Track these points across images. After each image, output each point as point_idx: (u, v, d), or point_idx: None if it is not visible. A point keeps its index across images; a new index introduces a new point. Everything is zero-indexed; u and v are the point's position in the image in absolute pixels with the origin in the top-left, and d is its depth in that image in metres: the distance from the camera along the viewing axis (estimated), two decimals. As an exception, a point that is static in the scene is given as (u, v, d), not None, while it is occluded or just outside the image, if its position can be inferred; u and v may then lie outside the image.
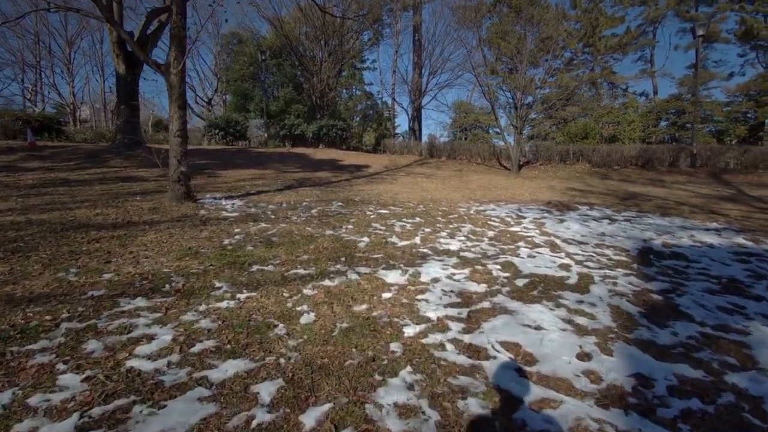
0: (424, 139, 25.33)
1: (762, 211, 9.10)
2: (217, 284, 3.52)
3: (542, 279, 4.05)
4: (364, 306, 3.22)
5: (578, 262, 4.71)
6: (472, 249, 5.07)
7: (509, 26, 23.29)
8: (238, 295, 3.31)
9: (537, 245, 5.47)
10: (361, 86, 37.19)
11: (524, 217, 7.39)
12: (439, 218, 7.00)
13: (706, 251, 5.55)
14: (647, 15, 24.46)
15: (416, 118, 32.16)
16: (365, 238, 5.32)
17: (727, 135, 20.90)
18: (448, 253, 4.86)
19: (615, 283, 4.00)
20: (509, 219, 7.21)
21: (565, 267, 4.48)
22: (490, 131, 33.62)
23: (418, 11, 29.39)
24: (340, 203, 7.98)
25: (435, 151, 19.70)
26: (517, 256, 4.88)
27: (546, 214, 7.70)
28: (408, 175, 14.08)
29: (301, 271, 3.96)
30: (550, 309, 3.31)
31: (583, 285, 3.91)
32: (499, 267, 4.37)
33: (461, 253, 4.83)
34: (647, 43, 25.54)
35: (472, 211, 7.84)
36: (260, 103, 25.62)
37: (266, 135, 22.59)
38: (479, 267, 4.34)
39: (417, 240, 5.40)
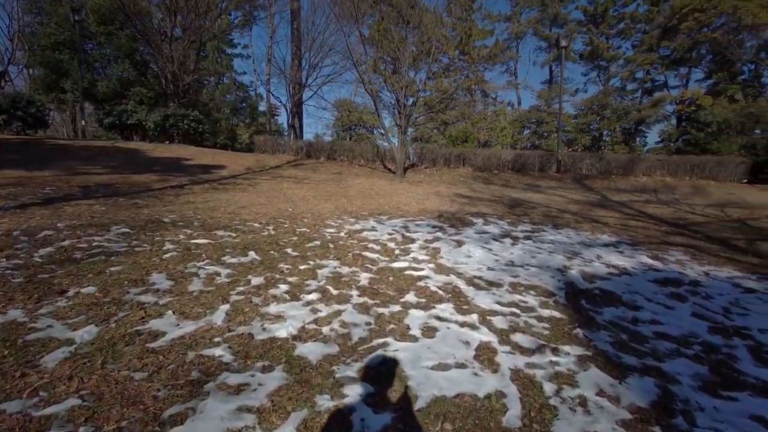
0: (309, 137, 22.64)
1: (632, 217, 9.13)
2: None
3: (454, 417, 1.92)
4: None
5: (502, 338, 2.78)
6: (323, 330, 2.71)
7: (390, 24, 22.26)
8: None
9: (434, 298, 3.44)
10: (229, 73, 32.26)
11: (413, 240, 5.44)
12: (289, 251, 4.52)
13: (629, 283, 4.33)
14: (512, 30, 26.44)
15: (296, 114, 29.04)
16: (87, 330, 2.49)
17: (576, 143, 23.69)
18: (269, 352, 2.39)
19: (582, 400, 2.11)
20: (392, 244, 5.15)
21: (488, 360, 2.47)
22: (375, 132, 32.69)
23: (294, -6, 26.43)
24: (126, 229, 4.81)
25: (313, 151, 17.17)
26: (405, 336, 2.71)
27: (439, 233, 5.92)
28: (273, 180, 11.23)
29: None
30: None
31: (536, 428, 1.89)
32: (365, 390, 2.09)
33: (296, 350, 2.42)
34: (512, 56, 27.74)
35: (343, 233, 5.57)
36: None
37: (84, 122, 16.79)
38: (323, 402, 1.99)
39: (217, 318, 2.79)
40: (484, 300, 3.45)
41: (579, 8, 26.18)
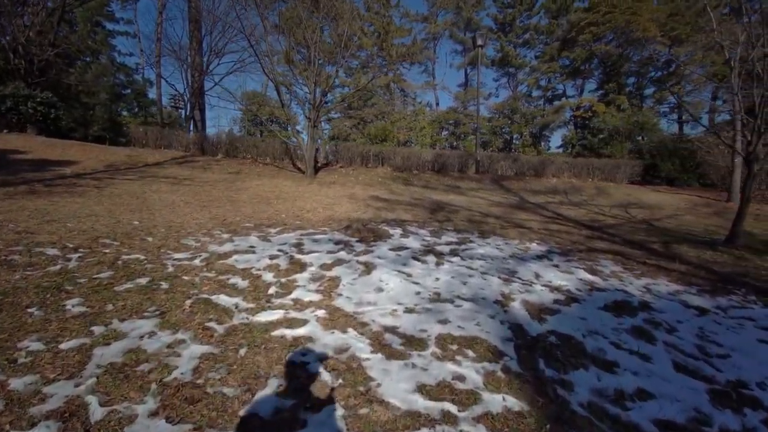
0: (213, 131, 19.48)
1: (552, 220, 8.73)
2: None
3: None
4: None
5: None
6: None
7: (304, 13, 20.30)
8: None
9: (310, 395, 1.91)
10: (106, 51, 27.00)
11: (303, 266, 3.87)
12: (70, 305, 2.61)
13: (583, 316, 3.34)
14: (429, 30, 26.32)
15: (197, 105, 25.30)
16: None
17: (490, 145, 24.38)
18: None
19: None
20: (270, 275, 3.52)
21: None
22: (290, 129, 30.22)
23: (188, -35, 22.84)
24: None
25: (209, 147, 14.50)
26: None
27: (343, 252, 4.43)
28: (139, 180, 8.69)
29: None
30: None
31: None
32: None
33: None
34: (429, 56, 27.71)
35: (199, 261, 3.75)
36: None
37: None
38: None
39: None
40: (398, 387, 2.03)
41: (489, 16, 27.15)
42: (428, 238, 5.58)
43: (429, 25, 26.18)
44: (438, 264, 4.35)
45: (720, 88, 17.65)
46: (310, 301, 3.02)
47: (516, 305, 3.37)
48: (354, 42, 25.31)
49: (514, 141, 25.49)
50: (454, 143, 25.12)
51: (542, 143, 26.10)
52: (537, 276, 4.35)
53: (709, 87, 21.54)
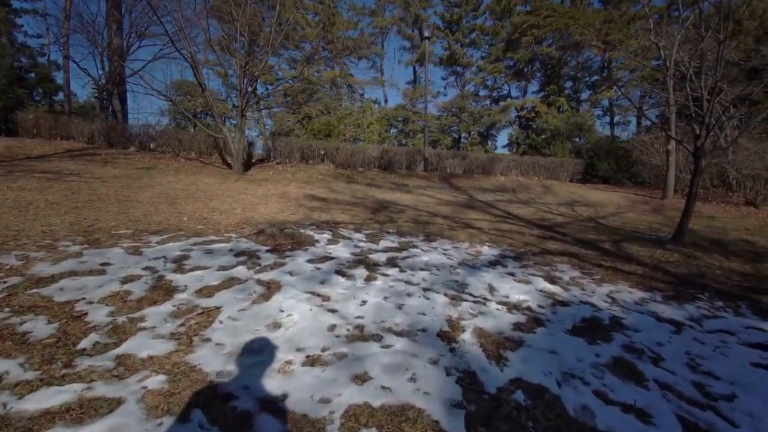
0: (138, 123, 16.92)
1: (502, 219, 8.17)
2: None
3: None
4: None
5: None
6: None
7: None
8: None
9: None
10: (6, 30, 22.97)
11: (172, 290, 2.69)
12: None
13: (552, 348, 2.54)
14: (376, 24, 25.46)
15: (116, 93, 22.27)
16: None
17: (439, 144, 24.10)
18: None
19: None
20: (106, 310, 2.31)
21: None
22: (229, 123, 27.86)
23: (98, -69, 19.98)
24: None
25: (119, 139, 12.38)
26: None
27: (241, 268, 3.29)
28: (1, 177, 6.80)
29: None
30: None
31: None
32: None
33: None
34: (377, 51, 26.85)
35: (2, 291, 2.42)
36: None
37: None
38: None
39: None
40: None
41: (437, 14, 26.90)
42: (363, 244, 4.58)
43: (376, 19, 25.35)
44: (369, 279, 3.36)
45: (650, 91, 18.70)
46: (149, 358, 1.88)
47: (467, 338, 2.47)
48: (291, 28, 23.78)
49: (462, 140, 25.46)
50: (403, 141, 24.52)
51: (489, 142, 26.39)
52: (491, 290, 3.52)
53: (638, 90, 23.05)
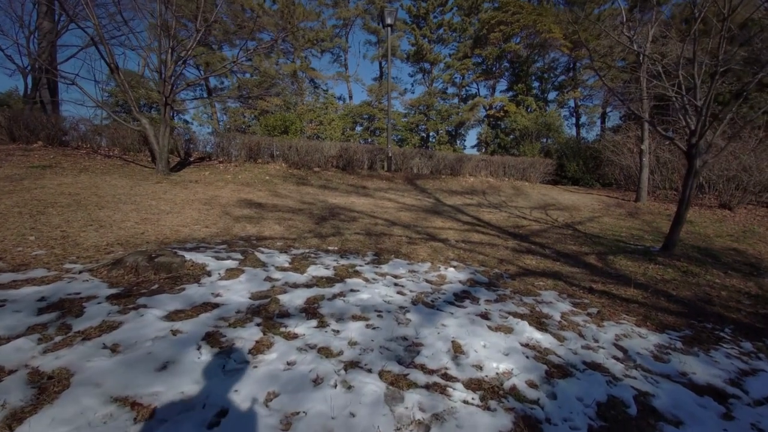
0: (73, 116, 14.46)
1: (472, 227, 7.06)
2: None
3: None
4: None
5: None
6: None
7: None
8: None
9: None
10: None
11: None
12: None
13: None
14: (339, 15, 23.98)
15: (44, 82, 19.48)
16: None
17: (406, 143, 23.01)
18: None
19: None
20: None
21: None
22: (189, 119, 25.49)
23: None
24: None
25: (22, 133, 10.28)
26: None
27: (23, 340, 1.85)
28: None
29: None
30: None
31: None
32: None
33: None
34: (341, 44, 25.37)
35: None
36: None
37: None
38: None
39: None
40: None
41: (403, 8, 25.80)
42: (280, 275, 3.24)
43: (339, 10, 23.87)
44: (258, 350, 2.04)
45: (625, 89, 18.46)
46: None
47: None
48: (253, 20, 21.91)
49: (430, 139, 24.50)
50: (369, 139, 23.24)
51: (458, 141, 25.61)
52: (456, 354, 2.31)
53: (601, 91, 23.01)
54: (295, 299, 2.75)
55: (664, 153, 12.12)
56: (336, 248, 4.64)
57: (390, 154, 13.18)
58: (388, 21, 12.63)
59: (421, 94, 24.56)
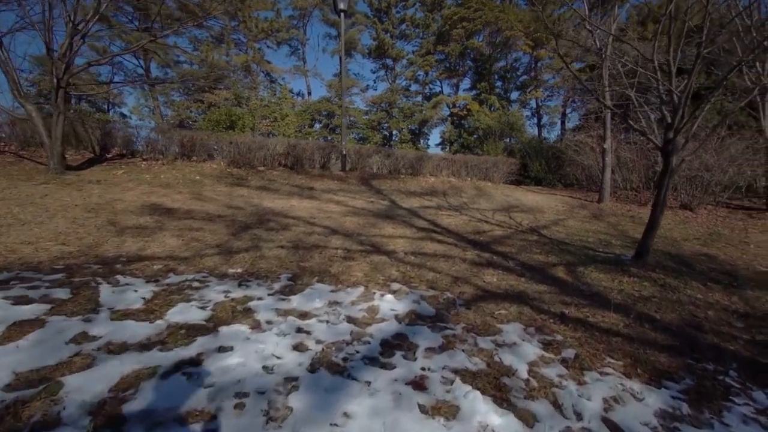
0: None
1: (427, 235, 6.11)
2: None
3: None
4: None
5: None
6: None
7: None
8: None
9: None
10: None
11: None
12: None
13: None
14: (295, 4, 22.54)
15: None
16: None
17: (368, 142, 21.98)
18: None
19: None
20: None
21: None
22: (123, 111, 23.02)
23: None
24: None
25: None
26: None
27: None
28: None
29: None
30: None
31: None
32: None
33: None
34: (298, 35, 23.92)
35: None
36: None
37: None
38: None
39: None
40: None
41: (365, 1, 24.75)
42: (101, 330, 2.08)
43: (296, 0, 22.45)
44: None
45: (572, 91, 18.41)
46: None
47: None
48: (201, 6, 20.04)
49: (393, 137, 23.59)
50: (328, 137, 21.97)
51: (421, 141, 24.89)
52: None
53: (562, 91, 23.13)
54: (92, 384, 1.61)
55: (624, 152, 11.85)
56: (240, 270, 3.51)
57: (344, 152, 12.08)
58: (341, 6, 11.49)
59: (384, 91, 23.63)
